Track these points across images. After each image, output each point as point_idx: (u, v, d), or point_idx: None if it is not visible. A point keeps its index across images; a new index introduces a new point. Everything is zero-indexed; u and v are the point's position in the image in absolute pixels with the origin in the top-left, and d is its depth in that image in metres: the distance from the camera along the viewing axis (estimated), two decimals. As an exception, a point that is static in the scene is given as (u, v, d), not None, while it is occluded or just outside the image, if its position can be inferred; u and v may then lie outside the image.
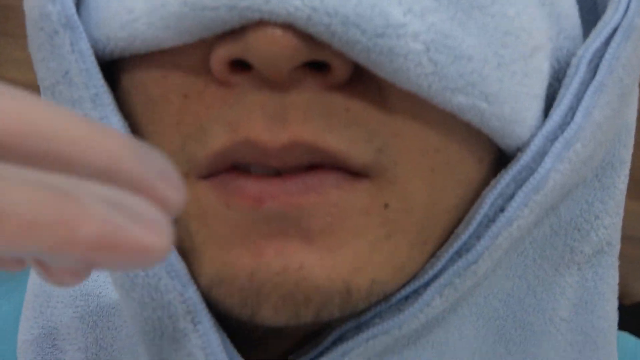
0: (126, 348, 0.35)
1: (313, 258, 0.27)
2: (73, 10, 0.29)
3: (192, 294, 0.28)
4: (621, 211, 0.36)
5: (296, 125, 0.26)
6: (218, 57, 0.26)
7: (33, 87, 0.25)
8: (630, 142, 0.35)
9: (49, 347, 0.37)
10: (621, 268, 0.37)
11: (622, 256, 0.37)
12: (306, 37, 0.24)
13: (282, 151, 0.26)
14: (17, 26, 1.35)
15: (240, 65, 0.26)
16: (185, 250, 0.29)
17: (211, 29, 0.25)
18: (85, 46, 0.28)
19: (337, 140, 0.26)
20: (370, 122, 0.27)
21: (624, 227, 0.37)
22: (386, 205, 0.28)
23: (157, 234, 0.18)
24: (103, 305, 0.39)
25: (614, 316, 0.36)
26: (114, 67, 0.31)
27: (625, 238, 0.40)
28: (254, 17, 0.24)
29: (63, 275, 0.22)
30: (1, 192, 0.17)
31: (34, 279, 0.40)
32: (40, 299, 0.39)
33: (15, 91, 0.19)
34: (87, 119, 0.19)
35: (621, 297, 0.39)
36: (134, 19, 0.27)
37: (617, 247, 0.36)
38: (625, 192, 0.36)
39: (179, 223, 0.29)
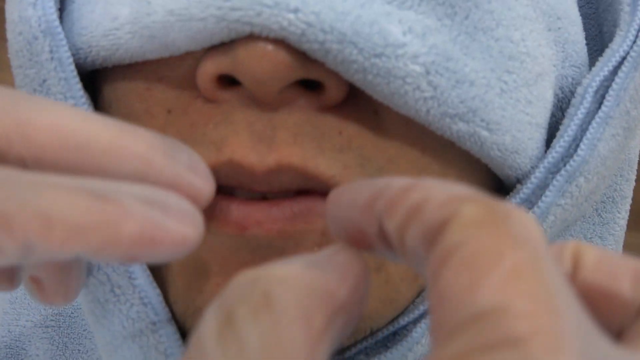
0: None
1: None
2: (54, 15, 0.27)
3: (165, 325, 0.27)
4: (620, 247, 0.35)
5: (285, 147, 0.24)
6: (205, 72, 0.24)
7: None
8: (633, 176, 0.34)
9: None
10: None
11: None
12: (299, 53, 0.23)
13: (268, 175, 0.24)
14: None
15: (228, 81, 0.24)
16: (161, 273, 0.28)
17: (198, 42, 0.24)
18: (65, 54, 0.27)
19: (328, 165, 0.25)
20: (364, 146, 0.25)
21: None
22: None
23: (191, 225, 0.20)
24: (74, 327, 0.37)
25: None
26: (95, 77, 0.29)
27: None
28: (244, 30, 0.22)
29: (55, 296, 0.24)
30: (48, 199, 0.18)
31: (2, 296, 0.38)
32: (9, 317, 0.38)
33: (47, 102, 0.21)
34: (116, 123, 0.21)
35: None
36: (117, 27, 0.25)
37: None
38: (625, 228, 0.35)
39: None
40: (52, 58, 0.27)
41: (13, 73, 0.29)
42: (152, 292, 0.27)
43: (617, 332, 0.18)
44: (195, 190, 0.22)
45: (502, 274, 0.15)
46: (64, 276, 0.24)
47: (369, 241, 0.20)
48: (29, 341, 0.36)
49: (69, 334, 0.36)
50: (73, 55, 0.27)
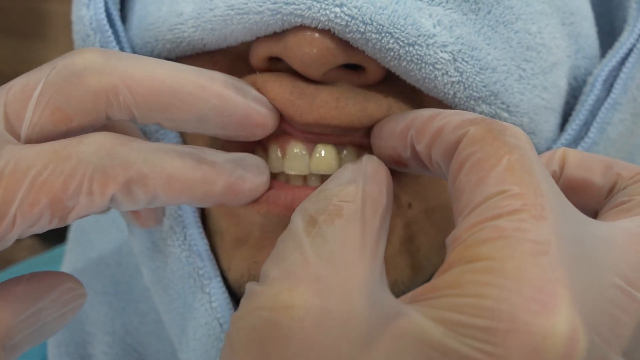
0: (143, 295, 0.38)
1: None
2: (103, 15, 0.30)
3: (212, 276, 0.30)
4: None
5: (327, 108, 0.27)
6: (257, 53, 0.27)
7: None
8: None
9: None
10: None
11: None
12: (342, 41, 0.26)
13: (307, 125, 0.27)
14: (54, 31, 1.39)
15: (276, 60, 0.27)
16: (214, 244, 0.31)
17: (254, 32, 0.27)
18: (115, 50, 0.30)
19: (375, 120, 0.27)
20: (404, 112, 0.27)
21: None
22: (410, 205, 0.29)
23: (262, 175, 0.27)
24: (131, 293, 0.40)
25: None
26: None
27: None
28: (296, 21, 0.25)
29: (149, 221, 0.30)
30: (169, 163, 0.24)
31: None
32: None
33: (141, 58, 0.26)
34: (194, 69, 0.26)
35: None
36: (182, 22, 0.28)
37: None
38: None
39: (210, 216, 0.31)
40: None
41: None
42: (201, 242, 0.30)
43: (595, 214, 0.24)
44: (264, 118, 0.27)
45: (501, 170, 0.21)
46: (154, 208, 0.30)
47: (405, 161, 0.26)
48: (90, 306, 0.39)
49: (127, 299, 0.39)
50: (140, 48, 0.30)
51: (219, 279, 0.30)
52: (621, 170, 0.24)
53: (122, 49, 0.31)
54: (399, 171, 0.28)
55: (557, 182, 0.25)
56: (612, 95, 0.31)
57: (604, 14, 0.35)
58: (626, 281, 0.20)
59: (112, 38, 0.30)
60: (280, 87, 0.27)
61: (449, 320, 0.18)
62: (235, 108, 0.26)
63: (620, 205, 0.23)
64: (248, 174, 0.27)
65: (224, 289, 0.30)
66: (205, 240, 0.30)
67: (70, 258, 0.42)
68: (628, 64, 0.31)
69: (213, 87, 0.25)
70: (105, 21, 0.30)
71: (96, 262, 0.41)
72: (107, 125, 0.27)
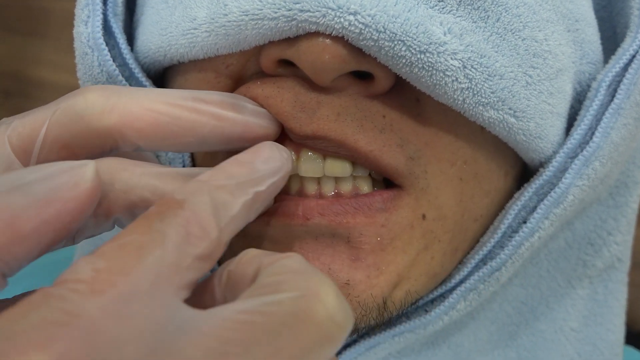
0: None
1: (360, 275, 0.28)
2: (100, 33, 0.31)
3: None
4: (632, 229, 0.38)
5: (325, 122, 0.27)
6: (268, 55, 0.28)
7: (66, 88, 0.27)
8: None
9: None
10: (629, 294, 0.38)
11: (630, 283, 0.38)
12: (354, 48, 0.26)
13: (305, 138, 0.28)
14: (54, 28, 1.38)
15: (286, 63, 0.28)
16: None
17: (267, 38, 0.27)
18: (112, 67, 0.31)
19: (367, 142, 0.28)
20: (404, 130, 0.28)
21: (632, 254, 0.38)
22: (424, 216, 0.29)
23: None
24: None
25: (621, 330, 0.37)
26: (165, 73, 0.33)
27: (633, 265, 0.40)
28: (311, 28, 0.26)
29: None
30: (168, 185, 0.24)
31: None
32: None
33: (139, 91, 0.26)
34: (190, 94, 0.26)
35: (628, 324, 0.40)
36: (196, 27, 0.28)
37: (627, 264, 0.38)
38: (637, 212, 0.38)
39: None
40: (101, 71, 0.31)
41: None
42: None
43: None
44: (264, 130, 0.27)
45: (114, 245, 0.19)
46: None
47: None
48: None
49: None
50: (153, 53, 0.31)
51: None
52: (264, 259, 0.22)
53: (123, 63, 0.32)
54: (408, 184, 0.29)
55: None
56: (615, 100, 0.31)
57: (606, 20, 0.36)
58: None
59: (108, 57, 0.31)
60: (282, 102, 0.28)
61: None
62: (234, 126, 0.26)
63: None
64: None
65: None
66: None
67: (79, 255, 0.42)
68: (631, 70, 0.32)
69: (209, 109, 0.26)
70: (101, 40, 0.31)
71: None
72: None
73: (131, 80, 0.32)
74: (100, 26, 0.31)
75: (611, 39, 0.36)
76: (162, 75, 0.33)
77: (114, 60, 0.31)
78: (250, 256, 0.22)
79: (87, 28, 0.31)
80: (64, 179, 0.21)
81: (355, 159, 0.28)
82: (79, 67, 0.32)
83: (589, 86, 0.33)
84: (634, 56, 0.32)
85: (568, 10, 0.31)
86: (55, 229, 0.21)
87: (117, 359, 0.17)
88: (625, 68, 0.32)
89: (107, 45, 0.31)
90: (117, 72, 0.31)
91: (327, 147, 0.28)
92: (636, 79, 0.32)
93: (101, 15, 0.31)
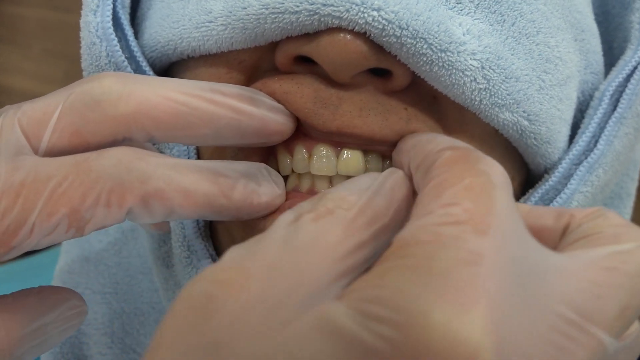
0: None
1: None
2: (110, 23, 0.30)
3: None
4: None
5: (349, 117, 0.27)
6: (286, 52, 0.27)
7: (36, 96, 0.26)
8: (636, 176, 0.38)
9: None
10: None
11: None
12: (374, 45, 0.26)
13: (329, 135, 0.28)
14: (24, 36, 1.36)
15: (303, 60, 0.27)
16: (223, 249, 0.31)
17: (287, 32, 0.27)
18: (120, 58, 0.30)
19: (396, 134, 0.28)
20: (426, 123, 0.28)
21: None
22: None
23: (277, 187, 0.28)
24: (131, 293, 0.40)
25: None
26: (172, 68, 0.32)
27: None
28: (333, 23, 0.25)
29: (165, 227, 0.31)
30: (186, 178, 0.25)
31: (61, 268, 0.41)
32: (67, 286, 0.41)
33: (155, 81, 0.26)
34: (207, 85, 0.26)
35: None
36: (211, 20, 0.28)
37: None
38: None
39: (224, 227, 0.31)
40: (109, 62, 0.30)
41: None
42: (199, 245, 0.31)
43: None
44: (280, 126, 0.27)
45: (459, 187, 0.21)
46: None
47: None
48: (89, 306, 0.39)
49: (125, 300, 0.39)
50: (162, 46, 0.30)
51: None
52: (573, 212, 0.24)
53: (130, 55, 0.31)
54: None
55: None
56: (618, 109, 0.32)
57: (602, 35, 0.37)
58: (576, 310, 0.20)
59: (117, 47, 0.30)
60: (302, 98, 0.27)
61: (362, 310, 0.18)
62: (251, 120, 0.26)
63: (575, 242, 0.23)
64: (263, 188, 0.27)
65: None
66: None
67: (66, 258, 0.41)
68: (633, 81, 0.32)
69: (227, 102, 0.26)
70: (111, 30, 0.30)
71: (95, 262, 0.40)
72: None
73: (138, 74, 0.31)
74: (110, 16, 0.30)
75: (607, 54, 0.36)
76: (166, 71, 0.33)
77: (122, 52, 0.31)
78: (530, 210, 0.25)
79: (95, 17, 0.30)
80: None
81: (384, 152, 0.29)
82: (84, 58, 0.31)
83: (591, 96, 0.34)
84: (635, 67, 0.33)
85: (576, 20, 0.32)
86: None
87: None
88: (627, 79, 0.33)
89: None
90: (125, 63, 0.30)
91: (349, 142, 0.28)
92: (637, 90, 0.32)
93: (111, 5, 0.31)
